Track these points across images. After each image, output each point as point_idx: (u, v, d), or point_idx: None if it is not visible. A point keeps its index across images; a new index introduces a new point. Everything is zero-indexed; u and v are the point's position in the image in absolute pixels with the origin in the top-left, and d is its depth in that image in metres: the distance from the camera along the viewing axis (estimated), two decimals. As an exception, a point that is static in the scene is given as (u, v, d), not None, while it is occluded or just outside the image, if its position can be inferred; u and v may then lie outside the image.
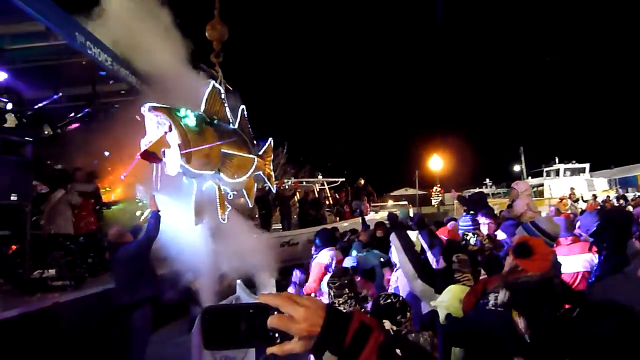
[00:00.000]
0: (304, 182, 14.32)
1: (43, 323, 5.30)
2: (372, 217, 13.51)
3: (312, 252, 6.09)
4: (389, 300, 2.64)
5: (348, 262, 5.20)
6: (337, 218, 13.61)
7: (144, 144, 4.59)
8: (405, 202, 23.99)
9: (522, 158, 37.85)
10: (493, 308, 2.73)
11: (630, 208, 14.12)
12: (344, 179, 15.23)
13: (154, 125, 4.63)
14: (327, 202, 14.39)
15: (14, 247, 6.09)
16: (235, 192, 5.85)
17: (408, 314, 2.60)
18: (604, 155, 31.15)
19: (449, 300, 3.20)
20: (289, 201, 12.97)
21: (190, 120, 4.79)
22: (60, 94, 7.43)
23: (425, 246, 4.30)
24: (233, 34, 6.29)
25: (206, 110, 5.21)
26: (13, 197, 5.65)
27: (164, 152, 4.52)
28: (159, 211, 5.24)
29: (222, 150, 5.14)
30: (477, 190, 22.03)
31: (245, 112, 6.01)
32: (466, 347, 2.68)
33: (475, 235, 4.53)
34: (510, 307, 2.53)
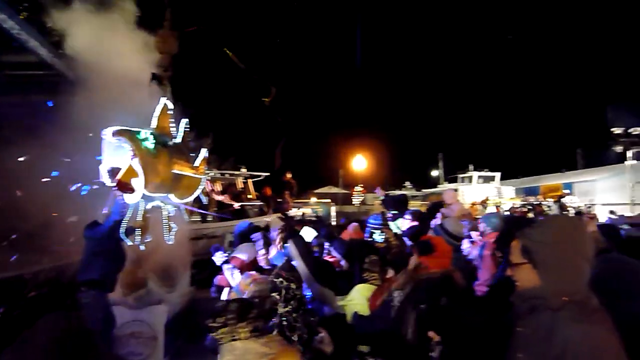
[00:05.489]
0: (227, 175, 13.92)
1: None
2: (295, 213, 13.49)
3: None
4: None
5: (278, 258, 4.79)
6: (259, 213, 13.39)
7: (105, 169, 4.44)
8: (329, 200, 24.35)
9: (441, 164, 40.21)
10: (398, 304, 2.77)
11: (531, 215, 15.41)
12: (268, 173, 14.98)
13: (112, 147, 4.46)
14: (251, 196, 14.14)
15: None
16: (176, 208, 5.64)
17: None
18: (512, 166, 33.79)
19: (356, 299, 3.24)
20: (209, 193, 12.53)
21: (149, 143, 4.61)
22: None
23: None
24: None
25: (156, 128, 5.01)
26: None
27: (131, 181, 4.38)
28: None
29: (173, 171, 4.98)
30: (398, 192, 22.92)
31: (187, 126, 5.85)
32: (373, 344, 2.69)
33: (383, 234, 4.67)
34: (414, 302, 2.59)
